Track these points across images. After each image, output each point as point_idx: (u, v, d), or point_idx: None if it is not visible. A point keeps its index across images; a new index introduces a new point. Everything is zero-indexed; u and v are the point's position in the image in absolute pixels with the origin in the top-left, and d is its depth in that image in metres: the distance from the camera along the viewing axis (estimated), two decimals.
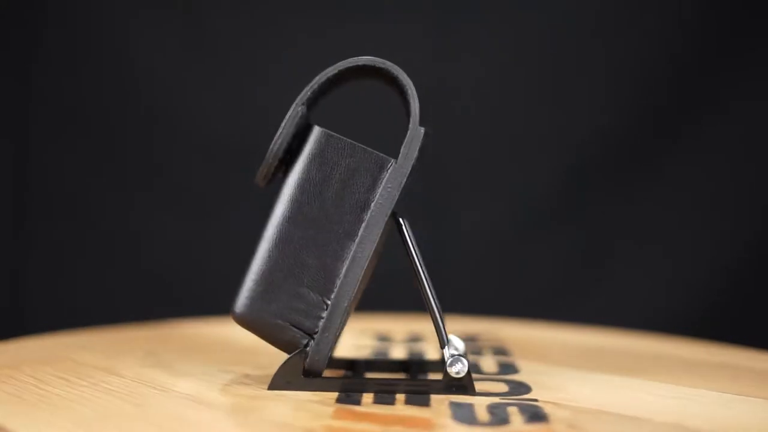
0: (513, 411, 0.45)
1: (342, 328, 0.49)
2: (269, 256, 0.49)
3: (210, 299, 1.01)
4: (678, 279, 1.01)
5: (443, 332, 0.47)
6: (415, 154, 0.47)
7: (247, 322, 0.49)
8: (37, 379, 0.49)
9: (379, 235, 0.48)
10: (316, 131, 0.50)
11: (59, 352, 0.58)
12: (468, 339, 0.66)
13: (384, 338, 0.67)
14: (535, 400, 0.47)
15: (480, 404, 0.47)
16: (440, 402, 0.47)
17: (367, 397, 0.48)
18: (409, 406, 0.46)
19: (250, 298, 0.49)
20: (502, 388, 0.50)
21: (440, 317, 0.48)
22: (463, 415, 0.45)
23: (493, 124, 0.99)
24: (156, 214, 1.00)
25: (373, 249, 0.48)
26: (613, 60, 1.01)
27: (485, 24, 1.01)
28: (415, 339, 0.67)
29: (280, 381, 0.49)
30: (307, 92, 0.50)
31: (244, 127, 1.01)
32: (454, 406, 0.46)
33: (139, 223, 1.01)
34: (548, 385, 0.51)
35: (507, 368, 0.56)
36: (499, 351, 0.62)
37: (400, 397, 0.48)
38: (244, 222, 1.02)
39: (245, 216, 1.02)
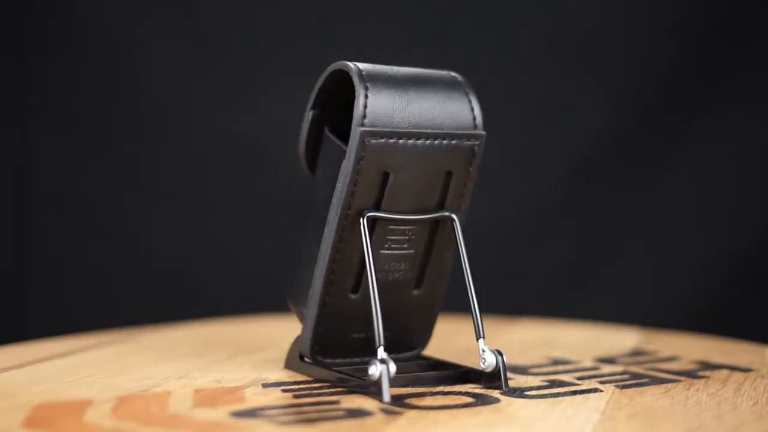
0: (337, 413, 0.44)
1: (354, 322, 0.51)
2: (301, 250, 0.53)
3: (213, 300, 1.02)
4: (681, 278, 1.01)
5: (379, 331, 0.47)
6: (354, 153, 0.48)
7: (290, 307, 0.54)
8: None
9: (333, 232, 0.49)
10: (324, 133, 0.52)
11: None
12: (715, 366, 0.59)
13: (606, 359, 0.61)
14: (396, 411, 0.45)
15: (367, 406, 0.46)
16: (326, 400, 0.47)
17: (301, 387, 0.50)
18: (295, 398, 0.47)
19: (289, 286, 0.54)
20: (457, 400, 0.48)
21: (479, 315, 0.50)
22: (254, 411, 0.45)
23: (493, 124, 0.99)
24: (158, 214, 1.00)
25: (330, 246, 0.50)
26: (612, 62, 1.01)
27: (484, 25, 1.01)
28: (636, 353, 0.63)
29: (290, 361, 0.53)
30: (311, 98, 0.53)
31: (246, 127, 1.01)
32: (315, 404, 0.46)
33: (141, 223, 1.00)
34: (522, 411, 0.47)
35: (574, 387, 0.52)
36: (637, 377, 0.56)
37: (328, 390, 0.49)
38: (247, 221, 1.03)
39: (248, 215, 1.02)
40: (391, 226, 0.50)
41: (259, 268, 1.00)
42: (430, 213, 0.51)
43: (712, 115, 0.99)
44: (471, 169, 0.51)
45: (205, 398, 0.47)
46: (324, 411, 0.45)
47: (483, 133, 0.51)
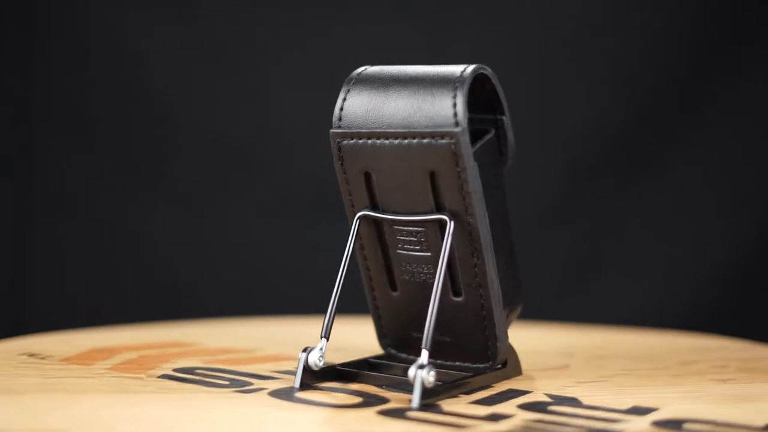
0: (223, 383, 0.50)
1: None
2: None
3: (215, 300, 1.02)
4: (679, 278, 1.01)
5: (327, 325, 0.49)
6: (334, 155, 0.50)
7: None
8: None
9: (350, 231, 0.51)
10: None
11: None
12: None
13: None
14: (257, 385, 0.49)
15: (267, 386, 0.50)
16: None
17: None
18: (272, 371, 0.54)
19: None
20: (346, 399, 0.48)
21: (431, 326, 0.47)
22: (194, 369, 0.54)
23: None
24: (158, 214, 1.00)
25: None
26: (612, 61, 1.01)
27: (484, 24, 1.01)
28: None
29: None
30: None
31: (246, 127, 1.01)
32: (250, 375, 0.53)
33: (141, 223, 1.01)
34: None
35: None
36: None
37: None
38: (246, 222, 1.03)
39: (248, 216, 1.02)
40: (395, 227, 0.50)
41: (258, 269, 1.00)
42: (426, 214, 0.49)
43: (712, 116, 0.99)
44: (458, 170, 0.48)
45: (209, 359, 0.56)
46: (221, 380, 0.51)
47: (455, 130, 0.47)
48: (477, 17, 1.01)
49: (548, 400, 0.48)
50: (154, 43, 0.99)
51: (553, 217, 1.01)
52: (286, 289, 1.00)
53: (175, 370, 0.53)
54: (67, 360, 0.55)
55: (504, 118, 0.53)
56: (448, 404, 0.46)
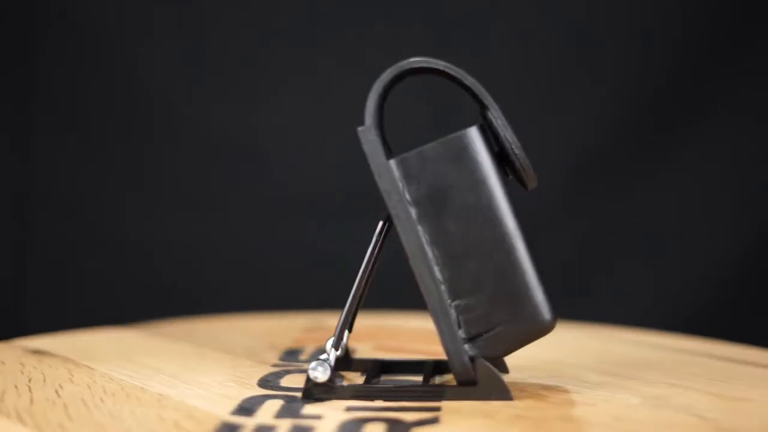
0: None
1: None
2: None
3: (215, 299, 1.02)
4: (679, 278, 1.01)
5: (346, 319, 0.48)
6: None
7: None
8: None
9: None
10: None
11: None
12: None
13: None
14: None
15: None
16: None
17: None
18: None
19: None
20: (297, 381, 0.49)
21: (341, 326, 0.46)
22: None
23: None
24: (159, 213, 1.00)
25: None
26: (613, 61, 1.01)
27: (486, 22, 1.01)
28: None
29: None
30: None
31: (246, 127, 1.01)
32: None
33: (141, 223, 1.01)
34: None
35: None
36: None
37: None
38: (245, 222, 1.03)
39: (247, 215, 1.03)
40: None
41: (258, 268, 1.00)
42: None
43: (712, 116, 0.99)
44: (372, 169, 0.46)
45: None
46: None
47: (359, 129, 0.45)
48: (477, 17, 1.00)
49: (406, 420, 0.43)
50: (154, 43, 0.99)
51: (553, 217, 1.00)
52: (286, 288, 1.00)
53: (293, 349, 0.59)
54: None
55: (488, 112, 0.47)
56: (338, 402, 0.46)
